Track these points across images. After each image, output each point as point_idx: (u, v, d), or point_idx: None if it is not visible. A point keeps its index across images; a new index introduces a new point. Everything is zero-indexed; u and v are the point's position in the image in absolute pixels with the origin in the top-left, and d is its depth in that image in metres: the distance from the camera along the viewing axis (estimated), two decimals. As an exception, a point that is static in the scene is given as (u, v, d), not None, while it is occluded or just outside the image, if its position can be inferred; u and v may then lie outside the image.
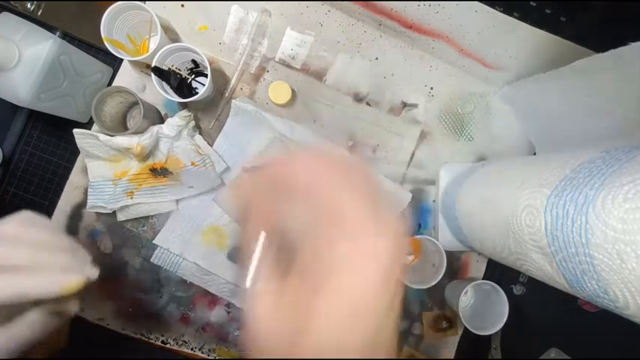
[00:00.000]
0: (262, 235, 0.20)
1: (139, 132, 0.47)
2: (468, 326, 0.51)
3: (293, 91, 0.52)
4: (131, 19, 0.46)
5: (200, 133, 0.52)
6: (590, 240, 0.26)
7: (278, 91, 0.50)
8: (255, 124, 0.51)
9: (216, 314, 0.54)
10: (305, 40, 0.53)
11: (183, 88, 0.51)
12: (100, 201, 0.50)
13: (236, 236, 0.53)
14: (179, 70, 0.48)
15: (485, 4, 0.43)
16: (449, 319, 0.56)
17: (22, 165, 0.52)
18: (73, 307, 0.29)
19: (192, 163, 0.50)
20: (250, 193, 0.22)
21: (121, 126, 0.51)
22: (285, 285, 0.19)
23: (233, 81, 0.52)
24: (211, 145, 0.52)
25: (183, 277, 0.53)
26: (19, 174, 0.52)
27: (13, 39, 0.38)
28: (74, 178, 0.52)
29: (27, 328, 0.28)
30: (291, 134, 0.50)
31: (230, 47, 0.52)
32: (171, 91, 0.48)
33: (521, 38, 0.45)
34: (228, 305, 0.54)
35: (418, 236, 0.51)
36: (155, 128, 0.48)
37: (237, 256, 0.53)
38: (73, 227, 0.52)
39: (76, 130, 0.47)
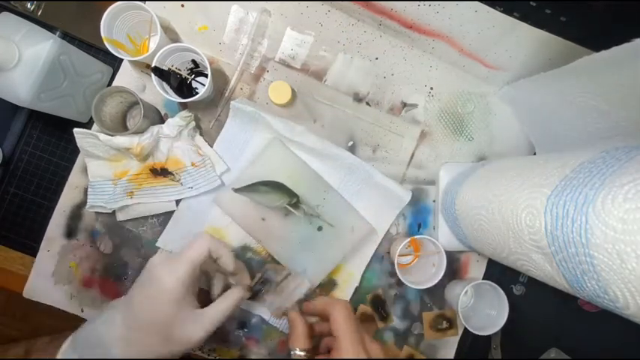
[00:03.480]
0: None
1: (139, 132, 0.47)
2: (467, 326, 0.51)
3: (293, 91, 0.52)
4: (131, 19, 0.46)
5: (200, 134, 0.52)
6: (590, 240, 0.26)
7: (278, 91, 0.50)
8: (254, 125, 0.52)
9: (216, 314, 0.54)
10: (305, 40, 0.53)
11: (183, 88, 0.51)
12: (99, 201, 0.50)
13: (237, 238, 0.53)
14: (179, 70, 0.48)
15: (485, 4, 0.43)
16: (449, 319, 0.56)
17: (22, 165, 0.52)
18: (251, 292, 0.46)
19: (192, 164, 0.50)
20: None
21: (121, 126, 0.51)
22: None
23: (233, 81, 0.52)
24: (211, 146, 0.52)
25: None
26: (19, 174, 0.52)
27: (13, 39, 0.38)
28: (73, 178, 0.52)
29: (232, 300, 0.40)
30: (290, 135, 0.50)
31: (230, 47, 0.52)
32: (171, 91, 0.48)
33: (521, 38, 0.45)
34: (228, 305, 0.54)
35: (418, 236, 0.51)
36: (155, 128, 0.48)
37: (239, 257, 0.53)
38: (72, 227, 0.52)
39: (76, 130, 0.47)
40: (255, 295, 0.49)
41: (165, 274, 0.37)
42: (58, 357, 0.36)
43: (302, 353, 0.37)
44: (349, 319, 0.36)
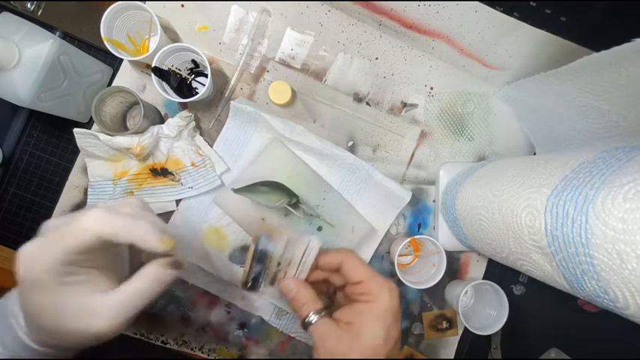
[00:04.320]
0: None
1: (139, 132, 0.47)
2: (467, 326, 0.51)
3: (293, 91, 0.52)
4: (131, 19, 0.46)
5: (200, 134, 0.52)
6: (590, 240, 0.26)
7: (278, 91, 0.50)
8: (254, 125, 0.52)
9: (216, 314, 0.54)
10: (305, 40, 0.53)
11: (183, 88, 0.51)
12: (99, 201, 0.50)
13: (237, 238, 0.53)
14: (179, 70, 0.48)
15: (485, 4, 0.43)
16: (449, 319, 0.56)
17: (22, 165, 0.52)
18: (179, 267, 0.34)
19: (192, 164, 0.50)
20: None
21: (121, 126, 0.51)
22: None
23: (233, 81, 0.52)
24: (211, 146, 0.52)
25: (184, 278, 0.53)
26: (19, 174, 0.52)
27: (13, 39, 0.38)
28: (73, 178, 0.52)
29: (147, 281, 0.32)
30: (290, 134, 0.50)
31: (230, 47, 0.52)
32: (171, 91, 0.48)
33: (521, 38, 0.45)
34: (229, 305, 0.54)
35: (418, 236, 0.51)
36: (155, 128, 0.48)
37: (239, 257, 0.53)
38: (73, 227, 0.52)
39: (76, 130, 0.47)
40: (255, 282, 0.35)
41: (34, 255, 0.29)
42: None
43: (317, 316, 0.32)
44: (363, 262, 0.34)
